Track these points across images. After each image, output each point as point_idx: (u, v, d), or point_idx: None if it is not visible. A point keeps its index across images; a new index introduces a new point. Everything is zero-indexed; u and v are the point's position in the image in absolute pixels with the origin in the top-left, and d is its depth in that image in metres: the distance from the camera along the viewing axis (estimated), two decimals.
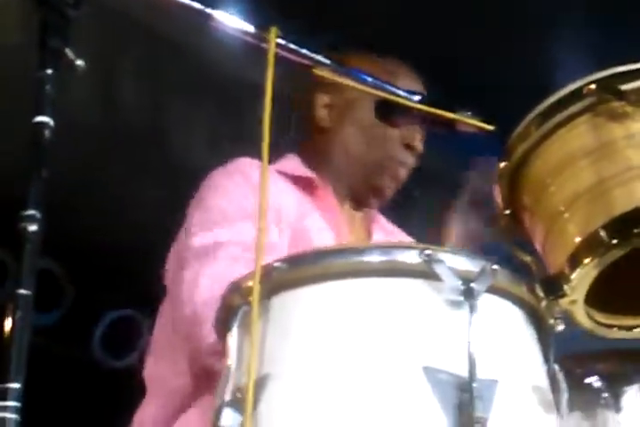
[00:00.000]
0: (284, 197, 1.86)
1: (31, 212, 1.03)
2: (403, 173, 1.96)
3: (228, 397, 1.22)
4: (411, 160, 1.95)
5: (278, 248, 1.74)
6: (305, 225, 1.86)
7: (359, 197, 1.99)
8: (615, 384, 1.43)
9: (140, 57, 3.20)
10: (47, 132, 1.09)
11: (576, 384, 1.37)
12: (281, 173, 1.91)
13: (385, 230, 2.05)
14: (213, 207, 1.82)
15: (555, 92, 1.38)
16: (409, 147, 1.93)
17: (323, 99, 1.98)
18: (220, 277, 1.60)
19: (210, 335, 1.53)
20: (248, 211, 1.73)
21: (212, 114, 3.42)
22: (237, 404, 1.21)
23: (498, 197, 1.39)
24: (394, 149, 1.93)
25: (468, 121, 1.56)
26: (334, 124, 1.97)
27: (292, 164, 1.99)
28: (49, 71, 1.12)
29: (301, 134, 2.04)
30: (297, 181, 1.94)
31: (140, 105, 3.34)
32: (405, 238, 2.05)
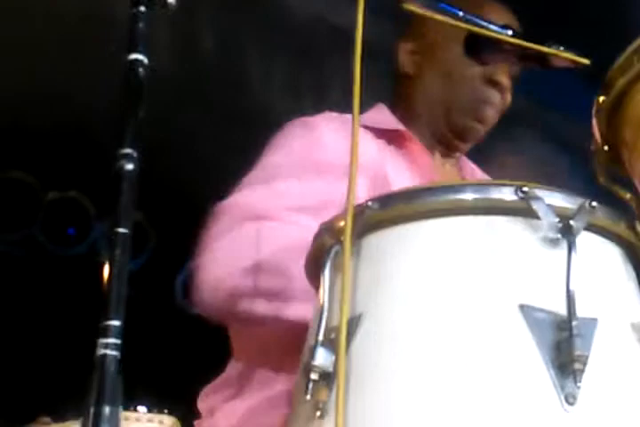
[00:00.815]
0: (367, 155, 1.83)
1: (128, 150, 1.03)
2: (490, 113, 1.92)
3: (321, 336, 1.22)
4: (497, 98, 1.91)
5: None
6: (394, 182, 1.83)
7: (447, 142, 1.96)
8: None
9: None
10: (141, 70, 1.08)
11: None
12: (367, 127, 1.88)
13: (474, 177, 2.02)
14: (266, 164, 1.80)
15: None
16: (493, 82, 1.89)
17: (406, 45, 1.95)
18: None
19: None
20: (306, 166, 1.72)
21: (291, 60, 3.40)
22: (330, 343, 1.20)
23: (596, 132, 1.35)
24: (477, 87, 1.89)
25: (563, 55, 1.51)
26: (418, 69, 1.95)
27: (380, 115, 1.96)
28: (142, 8, 1.12)
29: (392, 82, 2.01)
30: (384, 134, 1.91)
31: (219, 50, 3.33)
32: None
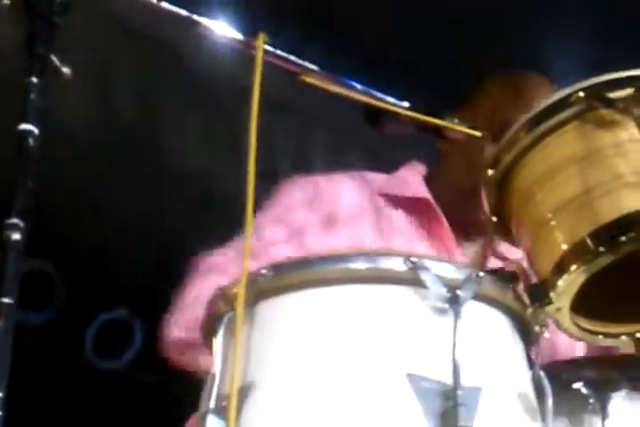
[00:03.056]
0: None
1: (14, 220, 1.03)
2: None
3: (212, 404, 1.22)
4: None
5: None
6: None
7: (461, 227, 1.87)
8: (602, 390, 1.42)
9: (132, 62, 3.20)
10: (32, 141, 1.09)
11: (562, 390, 1.37)
12: (386, 195, 1.85)
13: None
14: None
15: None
16: None
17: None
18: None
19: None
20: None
21: (204, 118, 3.42)
22: (222, 411, 1.21)
23: (485, 204, 1.39)
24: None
25: (457, 128, 1.56)
26: (449, 151, 1.90)
27: (408, 180, 1.91)
28: (34, 79, 1.12)
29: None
30: (407, 202, 1.87)
31: (133, 109, 3.34)
32: None
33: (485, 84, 1.90)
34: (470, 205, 1.76)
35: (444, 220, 1.86)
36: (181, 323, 1.72)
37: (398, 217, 1.86)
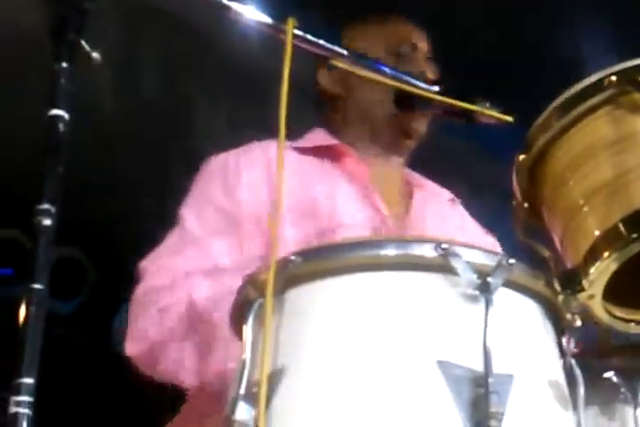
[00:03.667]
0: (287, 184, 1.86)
1: (45, 206, 1.03)
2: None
3: (242, 390, 1.22)
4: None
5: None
6: (330, 197, 1.85)
7: (389, 143, 1.96)
8: (633, 379, 1.41)
9: (161, 45, 3.20)
10: (62, 126, 1.09)
11: (593, 379, 1.36)
12: (297, 148, 1.91)
13: (427, 192, 2.01)
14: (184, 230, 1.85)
15: (576, 83, 1.36)
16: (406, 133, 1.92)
17: (326, 72, 1.98)
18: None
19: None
20: (221, 224, 1.78)
21: (233, 102, 3.42)
22: (251, 398, 1.20)
23: (516, 189, 1.38)
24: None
25: (488, 112, 1.54)
26: (346, 89, 1.97)
27: (314, 135, 1.99)
28: (64, 64, 1.12)
29: (322, 109, 2.04)
30: (316, 152, 1.93)
31: (161, 93, 3.34)
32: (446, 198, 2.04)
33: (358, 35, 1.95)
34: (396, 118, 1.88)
35: (357, 159, 1.93)
36: (133, 335, 1.76)
37: (312, 163, 1.91)
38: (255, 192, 1.81)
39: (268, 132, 1.53)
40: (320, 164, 1.92)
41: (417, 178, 2.04)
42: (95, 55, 1.17)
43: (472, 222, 2.04)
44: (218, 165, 1.90)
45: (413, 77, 1.55)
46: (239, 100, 3.39)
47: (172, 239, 1.85)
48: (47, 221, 1.03)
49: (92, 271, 4.09)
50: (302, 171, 1.87)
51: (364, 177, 1.91)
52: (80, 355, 3.67)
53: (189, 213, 1.86)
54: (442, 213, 1.97)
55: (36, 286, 1.00)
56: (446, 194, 2.05)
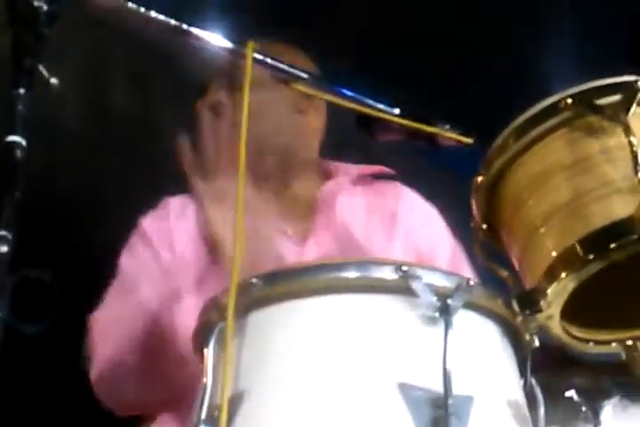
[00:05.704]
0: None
1: (2, 233, 1.03)
2: None
3: (203, 415, 1.22)
4: None
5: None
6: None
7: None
8: (594, 398, 1.43)
9: (126, 66, 3.20)
10: (19, 152, 1.08)
11: (554, 398, 1.37)
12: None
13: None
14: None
15: (532, 105, 1.38)
16: None
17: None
18: None
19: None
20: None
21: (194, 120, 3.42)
22: (213, 422, 1.20)
23: (475, 211, 1.39)
24: None
25: (447, 134, 1.56)
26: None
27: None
28: (21, 90, 1.12)
29: None
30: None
31: (127, 112, 3.34)
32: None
33: None
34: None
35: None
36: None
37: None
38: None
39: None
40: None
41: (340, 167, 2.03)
42: (54, 81, 1.17)
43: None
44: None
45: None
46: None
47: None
48: (3, 248, 1.03)
49: (60, 293, 4.06)
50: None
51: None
52: (49, 376, 3.64)
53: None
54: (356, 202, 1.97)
55: None
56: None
